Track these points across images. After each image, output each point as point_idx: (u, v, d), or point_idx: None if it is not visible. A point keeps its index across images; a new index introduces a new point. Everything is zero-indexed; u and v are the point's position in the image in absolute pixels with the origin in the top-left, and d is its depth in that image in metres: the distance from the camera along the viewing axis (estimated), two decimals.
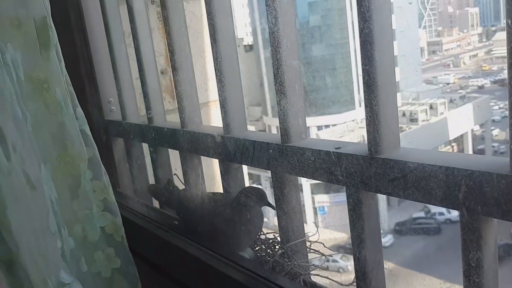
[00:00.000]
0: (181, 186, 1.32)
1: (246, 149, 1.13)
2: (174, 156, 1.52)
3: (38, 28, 0.94)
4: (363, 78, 0.84)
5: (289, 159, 1.02)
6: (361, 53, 0.84)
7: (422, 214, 27.61)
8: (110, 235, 1.07)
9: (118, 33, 1.76)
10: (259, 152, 1.09)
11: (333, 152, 0.92)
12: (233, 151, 1.17)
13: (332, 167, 0.93)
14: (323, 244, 1.24)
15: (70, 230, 0.97)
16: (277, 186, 1.09)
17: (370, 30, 0.79)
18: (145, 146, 1.69)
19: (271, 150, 1.06)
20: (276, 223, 1.11)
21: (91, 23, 1.83)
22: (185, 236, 1.17)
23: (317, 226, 1.12)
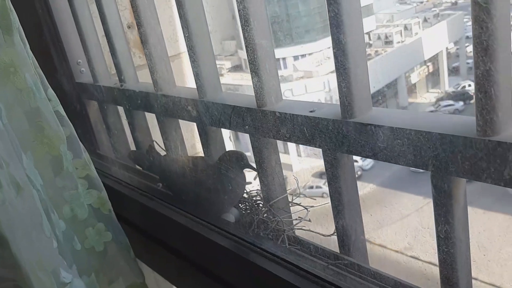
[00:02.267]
0: (162, 152, 1.33)
1: (222, 113, 1.14)
2: (152, 118, 1.51)
3: None
4: (333, 47, 0.84)
5: (265, 123, 1.03)
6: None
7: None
8: (98, 210, 1.09)
9: None
10: (235, 117, 1.10)
11: (307, 116, 0.94)
12: (209, 115, 1.18)
13: (307, 130, 0.95)
14: (304, 195, 1.29)
15: (59, 212, 0.99)
16: (256, 148, 1.11)
17: None
18: (120, 108, 1.68)
19: (247, 115, 1.07)
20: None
21: None
22: (170, 203, 1.20)
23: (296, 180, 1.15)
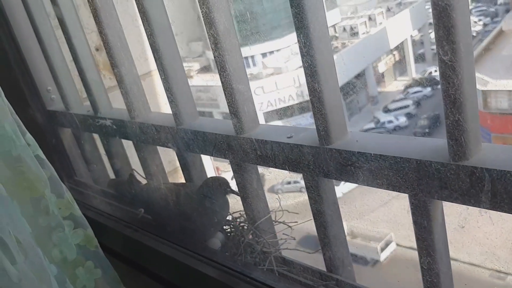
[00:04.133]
0: (142, 180, 1.33)
1: (200, 140, 1.15)
2: (129, 143, 1.50)
3: None
4: (306, 71, 0.86)
5: (244, 149, 1.05)
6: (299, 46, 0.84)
7: (372, 125, 28.82)
8: (85, 247, 1.09)
9: (42, 17, 1.66)
10: (214, 144, 1.11)
11: (285, 142, 0.96)
12: (187, 142, 1.19)
13: (286, 156, 0.97)
14: (287, 210, 1.31)
15: (49, 257, 0.99)
16: (237, 172, 1.13)
17: None
18: (96, 135, 1.66)
19: (225, 142, 1.08)
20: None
21: (13, 12, 1.71)
22: (154, 233, 1.20)
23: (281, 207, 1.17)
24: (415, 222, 0.81)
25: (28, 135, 1.03)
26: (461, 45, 0.60)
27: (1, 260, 0.75)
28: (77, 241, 1.08)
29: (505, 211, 0.68)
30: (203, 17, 0.92)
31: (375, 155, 0.80)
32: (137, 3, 1.13)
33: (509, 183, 0.65)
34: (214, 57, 0.96)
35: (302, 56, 0.81)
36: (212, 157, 1.37)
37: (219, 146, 1.08)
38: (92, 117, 1.53)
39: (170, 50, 1.16)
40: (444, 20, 0.59)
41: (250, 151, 1.02)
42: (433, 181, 0.72)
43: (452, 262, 0.88)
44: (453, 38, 0.59)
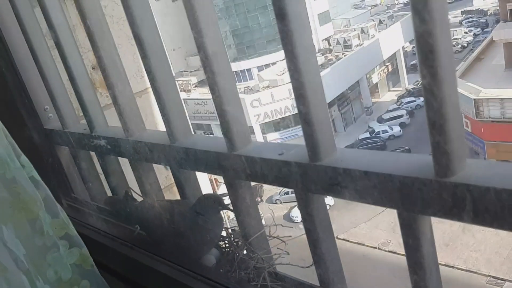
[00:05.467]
0: (138, 198, 1.35)
1: (194, 157, 1.17)
2: (125, 160, 1.53)
3: None
4: (295, 94, 0.89)
5: (236, 166, 1.07)
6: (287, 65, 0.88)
7: (367, 135, 29.00)
8: (80, 266, 1.11)
9: (38, 37, 1.69)
10: (207, 160, 1.14)
11: (276, 159, 0.98)
12: (181, 159, 1.21)
13: (277, 172, 0.99)
14: (281, 224, 1.34)
15: (43, 277, 1.00)
16: (230, 188, 1.15)
17: None
18: (93, 153, 1.68)
19: (218, 159, 1.11)
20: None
21: (8, 31, 1.74)
22: (150, 251, 1.22)
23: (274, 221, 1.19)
24: (403, 239, 0.84)
25: (23, 156, 1.05)
26: (439, 69, 0.62)
27: None
28: (72, 260, 1.10)
29: (486, 226, 0.71)
30: (194, 40, 0.96)
31: (360, 172, 0.83)
32: (131, 27, 1.16)
33: (490, 200, 0.67)
34: (206, 78, 0.99)
35: (291, 79, 0.84)
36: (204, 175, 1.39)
37: (210, 164, 1.11)
38: (88, 136, 1.55)
39: (163, 71, 1.19)
40: (422, 45, 0.62)
41: (240, 169, 1.04)
42: (417, 198, 0.74)
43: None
44: (430, 63, 0.62)
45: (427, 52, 0.61)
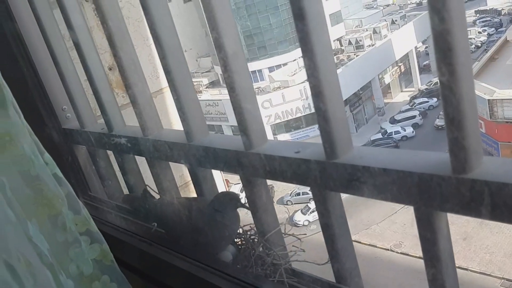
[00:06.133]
0: (155, 195, 1.38)
1: (211, 156, 1.19)
2: (142, 159, 1.55)
3: None
4: (312, 91, 0.90)
5: (253, 164, 1.09)
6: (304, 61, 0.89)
7: (379, 136, 28.82)
8: (101, 262, 1.13)
9: (57, 39, 1.72)
10: (225, 159, 1.16)
11: (292, 157, 1.00)
12: (199, 158, 1.23)
13: (294, 170, 1.01)
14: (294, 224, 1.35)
15: (66, 272, 1.03)
16: (247, 186, 1.17)
17: None
18: (110, 152, 1.71)
19: (236, 157, 1.12)
20: None
21: (28, 33, 1.77)
22: (168, 247, 1.24)
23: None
24: (420, 234, 0.85)
25: (46, 154, 1.08)
26: (457, 67, 0.64)
27: (10, 286, 0.79)
28: (93, 256, 1.12)
29: (505, 222, 0.71)
30: (213, 41, 0.98)
31: (379, 170, 0.84)
32: (149, 27, 1.18)
33: (508, 195, 0.68)
34: (224, 78, 1.01)
35: (308, 77, 0.86)
36: (220, 173, 1.41)
37: (229, 161, 1.13)
38: (107, 135, 1.58)
39: (181, 71, 1.21)
40: (440, 44, 0.63)
41: (259, 167, 1.06)
42: (435, 194, 0.75)
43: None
44: (449, 60, 0.63)
45: (445, 50, 0.63)
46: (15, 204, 0.86)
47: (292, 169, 1.00)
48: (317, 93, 0.85)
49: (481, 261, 17.13)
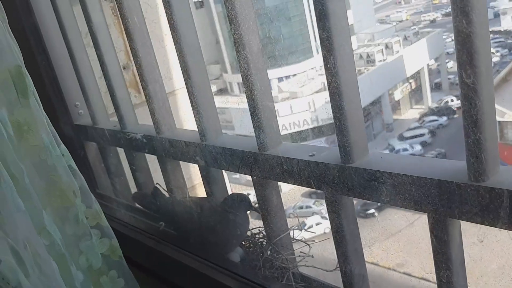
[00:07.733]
0: (165, 193, 1.37)
1: (224, 156, 1.19)
2: (152, 158, 1.55)
3: (14, 77, 0.95)
4: (330, 92, 0.90)
5: (267, 166, 1.09)
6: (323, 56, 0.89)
7: (387, 152, 28.59)
8: (109, 257, 1.13)
9: (75, 35, 1.74)
10: (238, 160, 1.15)
11: (307, 160, 0.99)
12: (211, 158, 1.23)
13: (308, 174, 1.00)
14: (305, 229, 1.35)
15: (76, 263, 1.03)
16: (258, 188, 1.16)
17: None
18: (120, 149, 1.72)
19: (249, 159, 1.12)
20: None
21: (47, 28, 1.79)
22: (177, 245, 1.24)
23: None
24: (435, 237, 0.84)
25: (62, 145, 1.09)
26: (482, 69, 0.64)
27: (16, 273, 0.79)
28: (102, 250, 1.12)
29: None
30: (235, 40, 0.98)
31: (396, 175, 0.83)
32: (170, 25, 1.19)
33: None
34: (246, 76, 1.01)
35: (331, 76, 0.86)
36: (227, 178, 1.41)
37: (246, 160, 1.12)
38: (121, 132, 1.58)
39: (199, 70, 1.21)
40: (468, 46, 0.64)
41: (276, 166, 1.05)
42: (454, 196, 0.75)
43: None
44: (475, 62, 0.64)
45: (472, 52, 0.63)
46: (32, 192, 0.87)
47: (307, 172, 1.00)
48: (338, 92, 0.85)
49: None
